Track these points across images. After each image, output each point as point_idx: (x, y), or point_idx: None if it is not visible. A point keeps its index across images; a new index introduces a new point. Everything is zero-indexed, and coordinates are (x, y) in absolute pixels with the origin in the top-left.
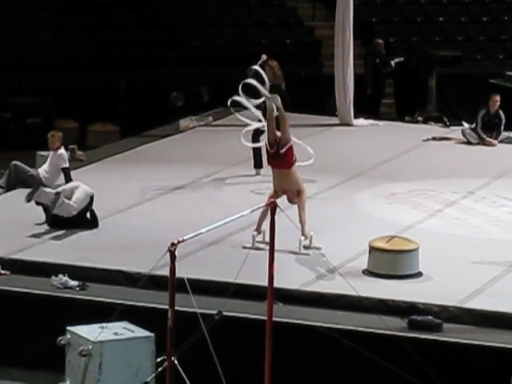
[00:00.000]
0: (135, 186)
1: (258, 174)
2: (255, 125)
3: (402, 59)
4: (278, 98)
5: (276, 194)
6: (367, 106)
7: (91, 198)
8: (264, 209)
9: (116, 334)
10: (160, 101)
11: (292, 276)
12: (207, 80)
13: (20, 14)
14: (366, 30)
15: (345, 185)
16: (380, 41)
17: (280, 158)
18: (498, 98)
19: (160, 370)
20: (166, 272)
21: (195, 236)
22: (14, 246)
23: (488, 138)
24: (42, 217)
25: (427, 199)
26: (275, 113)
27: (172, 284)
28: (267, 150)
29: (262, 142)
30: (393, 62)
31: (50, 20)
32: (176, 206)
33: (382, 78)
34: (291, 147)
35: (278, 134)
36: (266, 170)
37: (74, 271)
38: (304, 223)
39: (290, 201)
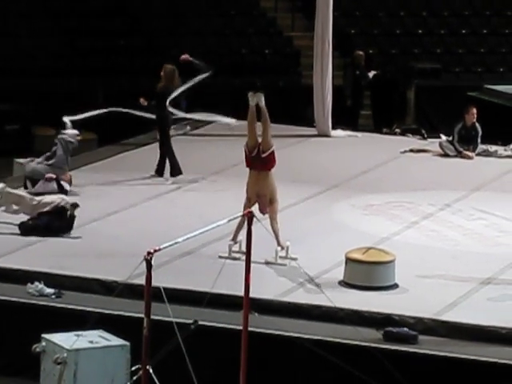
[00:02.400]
0: (112, 195)
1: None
2: (227, 120)
3: (377, 72)
4: (262, 97)
5: (249, 201)
6: (346, 118)
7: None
8: (241, 219)
9: (91, 342)
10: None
11: (268, 286)
12: (186, 89)
13: None
14: (344, 41)
15: (322, 196)
16: (360, 52)
17: (262, 160)
18: (474, 110)
19: (135, 378)
20: (142, 281)
21: (172, 245)
22: None
23: (465, 151)
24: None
25: (404, 211)
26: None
27: (148, 293)
28: (246, 153)
29: None
30: (370, 74)
31: (30, 26)
32: (153, 214)
33: (360, 89)
34: (273, 152)
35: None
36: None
37: (49, 279)
38: (278, 234)
39: (262, 211)
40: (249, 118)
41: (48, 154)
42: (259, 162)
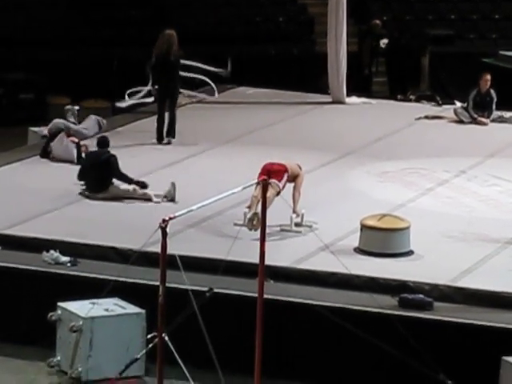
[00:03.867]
0: (127, 163)
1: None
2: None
3: (388, 41)
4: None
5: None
6: (364, 86)
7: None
8: (257, 187)
9: (107, 310)
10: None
11: (283, 253)
12: (200, 58)
13: None
14: (359, 8)
15: (337, 163)
16: (377, 21)
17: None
18: (488, 77)
19: (151, 346)
20: (157, 248)
21: (186, 213)
22: (5, 221)
23: (480, 118)
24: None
25: (419, 178)
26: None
27: (163, 260)
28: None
29: None
30: (381, 43)
31: None
32: (168, 182)
33: (376, 57)
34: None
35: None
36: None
37: (65, 247)
38: (297, 202)
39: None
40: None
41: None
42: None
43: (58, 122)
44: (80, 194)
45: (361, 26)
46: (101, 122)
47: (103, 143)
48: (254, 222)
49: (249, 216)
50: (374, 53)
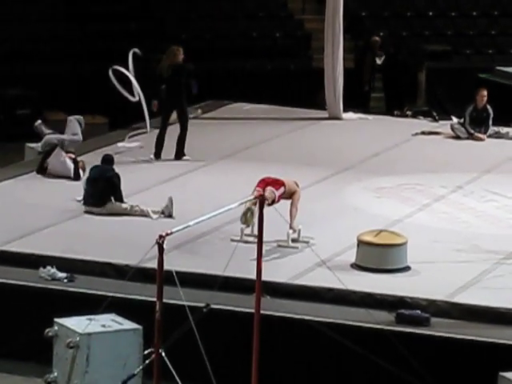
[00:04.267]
0: (124, 179)
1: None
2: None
3: (383, 57)
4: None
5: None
6: (363, 102)
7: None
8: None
9: (104, 326)
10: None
11: (280, 269)
12: (196, 73)
13: (9, 6)
14: (355, 23)
15: (333, 178)
16: (377, 38)
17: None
18: (485, 92)
19: (148, 362)
20: (154, 264)
21: (183, 228)
22: (2, 237)
23: (476, 133)
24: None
25: (416, 193)
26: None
27: (160, 276)
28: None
29: None
30: (378, 59)
31: (40, 11)
32: (164, 198)
33: (373, 73)
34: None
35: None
36: (255, 163)
37: (62, 263)
38: (294, 217)
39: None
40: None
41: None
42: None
43: (50, 138)
44: (77, 209)
45: (358, 41)
46: (80, 120)
47: (108, 160)
48: (248, 216)
49: (243, 210)
50: (372, 69)
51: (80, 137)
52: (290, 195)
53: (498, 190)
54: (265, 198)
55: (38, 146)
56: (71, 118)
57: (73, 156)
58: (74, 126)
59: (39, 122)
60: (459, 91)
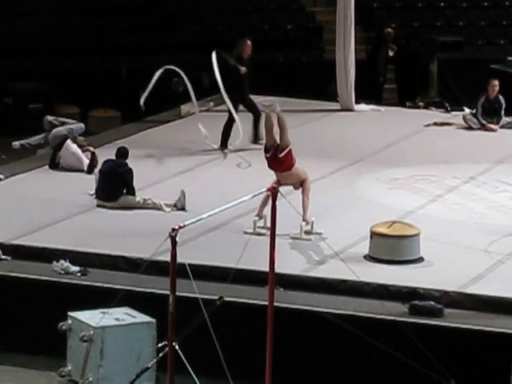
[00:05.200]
0: (136, 172)
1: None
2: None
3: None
4: (277, 105)
5: (279, 182)
6: (377, 94)
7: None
8: (265, 194)
9: (117, 319)
10: (161, 86)
11: (293, 261)
12: (208, 66)
13: (19, 0)
14: (367, 15)
15: (346, 170)
16: (390, 30)
17: (279, 161)
18: (496, 83)
19: (161, 355)
20: (167, 257)
21: (196, 221)
22: (15, 231)
23: (488, 124)
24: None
25: (428, 184)
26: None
27: (173, 269)
28: (265, 153)
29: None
30: (390, 52)
31: (50, 5)
32: (177, 191)
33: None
34: (290, 151)
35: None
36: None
37: (75, 257)
38: (306, 209)
39: (298, 187)
40: (267, 123)
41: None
42: (278, 163)
43: (58, 130)
44: (89, 203)
45: (369, 33)
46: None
47: (122, 154)
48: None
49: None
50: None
51: (81, 124)
52: (300, 183)
53: (510, 181)
54: (277, 189)
55: (22, 142)
56: (50, 118)
57: (91, 149)
58: (64, 120)
59: (50, 117)
60: (471, 82)
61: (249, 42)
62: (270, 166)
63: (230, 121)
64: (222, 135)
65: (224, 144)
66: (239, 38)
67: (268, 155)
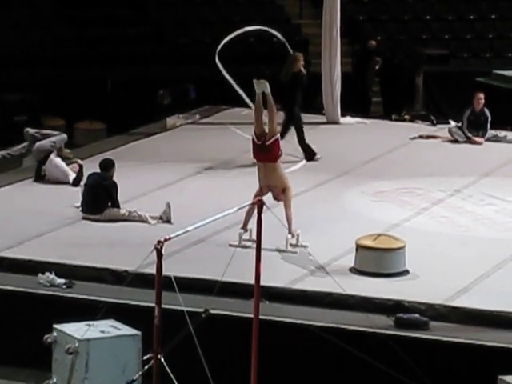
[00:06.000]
0: (122, 184)
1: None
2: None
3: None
4: (267, 84)
5: (261, 191)
6: (366, 107)
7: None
8: (250, 207)
9: (103, 331)
10: (147, 98)
11: (279, 274)
12: (195, 77)
13: (7, 11)
14: (353, 28)
15: (332, 183)
16: (373, 42)
17: (266, 150)
18: (481, 95)
19: (147, 367)
20: (152, 270)
21: (182, 234)
22: (0, 243)
23: (474, 137)
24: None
25: (414, 197)
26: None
27: (158, 282)
28: (253, 141)
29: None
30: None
31: (38, 16)
32: (162, 203)
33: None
34: (277, 140)
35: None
36: (253, 168)
37: (60, 269)
38: (290, 221)
39: (276, 198)
40: (255, 106)
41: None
42: (264, 150)
43: (42, 144)
44: (75, 215)
45: (355, 46)
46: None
47: (106, 166)
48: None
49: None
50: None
51: (64, 134)
52: (281, 189)
53: (496, 194)
54: (263, 202)
55: (2, 153)
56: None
57: (79, 162)
58: (46, 132)
59: (31, 130)
60: (457, 95)
61: (299, 57)
62: (257, 156)
63: (300, 133)
64: (304, 149)
65: (311, 154)
66: (292, 53)
67: (259, 143)
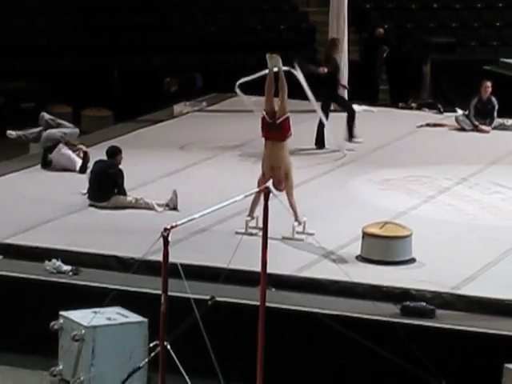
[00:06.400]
0: (129, 172)
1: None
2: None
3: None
4: (280, 60)
5: (264, 176)
6: (374, 95)
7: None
8: (257, 194)
9: (109, 318)
10: (154, 86)
11: (285, 262)
12: (201, 66)
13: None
14: (360, 16)
15: (338, 170)
16: (381, 30)
17: (276, 128)
18: (489, 84)
19: (153, 354)
20: (159, 257)
21: (188, 221)
22: (7, 230)
23: (481, 125)
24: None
25: (421, 185)
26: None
27: (165, 269)
28: (264, 119)
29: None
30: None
31: (44, 4)
32: (169, 191)
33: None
34: (288, 118)
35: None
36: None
37: (67, 256)
38: (295, 208)
39: (276, 187)
40: (267, 82)
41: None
42: (275, 128)
43: (52, 133)
44: (81, 202)
45: (362, 34)
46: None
47: (112, 153)
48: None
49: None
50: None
51: (77, 129)
52: (284, 173)
53: (503, 182)
54: (269, 190)
55: (19, 133)
56: (47, 116)
57: (84, 148)
58: (61, 121)
59: (46, 115)
60: (464, 83)
61: (336, 42)
62: (267, 134)
63: (321, 124)
64: (317, 135)
65: (321, 143)
66: (330, 39)
67: (270, 121)
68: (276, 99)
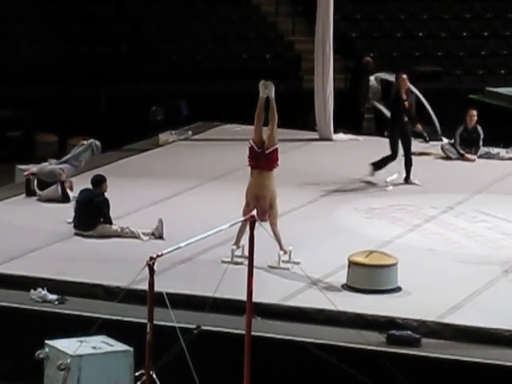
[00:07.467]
0: (114, 200)
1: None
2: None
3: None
4: (273, 88)
5: (248, 206)
6: (358, 124)
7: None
8: (243, 223)
9: (95, 347)
10: (140, 115)
11: (271, 290)
12: (187, 93)
13: (0, 27)
14: (346, 44)
15: (324, 199)
16: (369, 59)
17: (265, 158)
18: (475, 112)
19: (139, 383)
20: (144, 286)
21: (174, 250)
22: None
23: (467, 154)
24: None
25: (406, 214)
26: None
27: (151, 298)
28: (252, 149)
29: None
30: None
31: (31, 32)
32: (155, 219)
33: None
34: (277, 149)
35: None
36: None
37: (52, 285)
38: (279, 238)
39: (260, 218)
40: (257, 111)
41: (66, 157)
42: (263, 158)
43: (55, 169)
44: (67, 231)
45: (348, 62)
46: (94, 145)
47: (97, 182)
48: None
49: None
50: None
51: (81, 164)
52: (269, 203)
53: (488, 211)
54: (255, 219)
55: (28, 167)
56: (87, 142)
57: (62, 178)
58: (82, 151)
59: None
60: (449, 112)
61: (405, 77)
62: (254, 163)
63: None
64: (380, 162)
65: (376, 169)
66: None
67: (259, 150)
68: (265, 128)
